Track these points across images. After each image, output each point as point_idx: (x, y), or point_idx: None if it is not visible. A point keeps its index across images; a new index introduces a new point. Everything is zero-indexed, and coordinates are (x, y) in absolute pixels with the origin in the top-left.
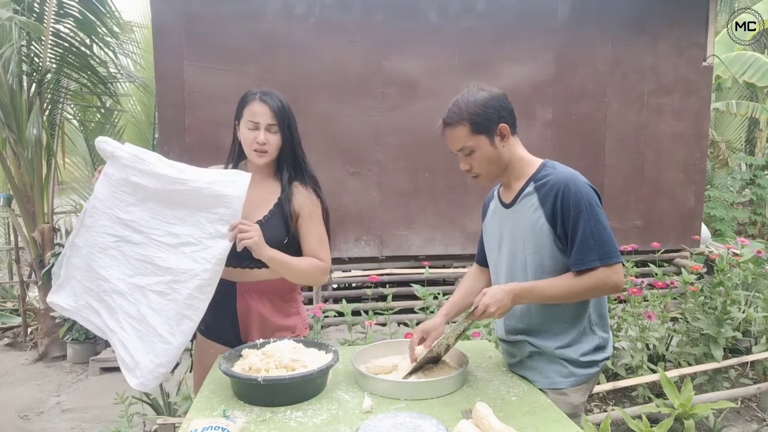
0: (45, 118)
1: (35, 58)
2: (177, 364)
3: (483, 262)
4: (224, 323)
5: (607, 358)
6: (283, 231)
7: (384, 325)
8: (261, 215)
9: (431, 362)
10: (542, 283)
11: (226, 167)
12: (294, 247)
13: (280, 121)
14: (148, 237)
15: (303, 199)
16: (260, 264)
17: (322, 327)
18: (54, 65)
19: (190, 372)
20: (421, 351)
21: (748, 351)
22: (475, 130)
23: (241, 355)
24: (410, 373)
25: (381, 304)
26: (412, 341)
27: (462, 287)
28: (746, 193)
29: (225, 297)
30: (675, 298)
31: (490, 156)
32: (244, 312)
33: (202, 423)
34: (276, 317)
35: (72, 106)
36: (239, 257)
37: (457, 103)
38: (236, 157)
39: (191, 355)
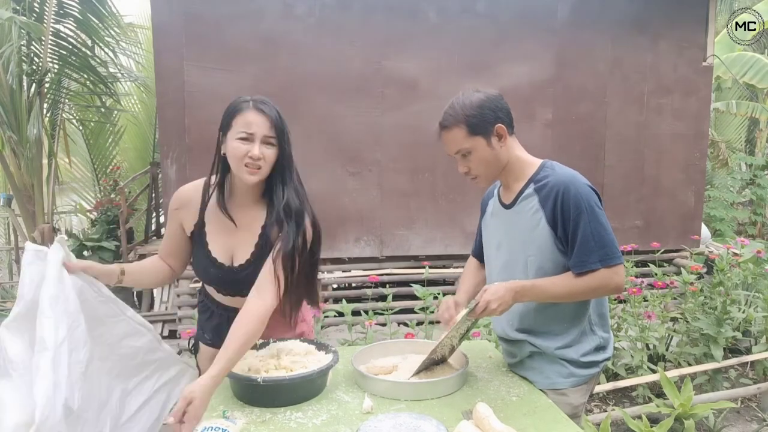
0: (46, 118)
1: (35, 58)
2: None
3: (480, 256)
4: None
5: (607, 359)
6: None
7: (384, 325)
8: (248, 253)
9: (435, 364)
10: (543, 281)
11: (208, 181)
12: None
13: (278, 134)
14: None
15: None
16: None
17: (322, 327)
18: (54, 66)
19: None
20: (461, 315)
21: (748, 351)
22: (472, 131)
23: None
24: (415, 374)
25: (381, 304)
26: (449, 309)
27: (465, 282)
28: (746, 193)
29: (230, 322)
30: (675, 298)
31: (487, 157)
32: None
33: (202, 424)
34: (283, 332)
35: (72, 106)
36: (238, 286)
37: (453, 105)
38: (220, 171)
39: (197, 365)
